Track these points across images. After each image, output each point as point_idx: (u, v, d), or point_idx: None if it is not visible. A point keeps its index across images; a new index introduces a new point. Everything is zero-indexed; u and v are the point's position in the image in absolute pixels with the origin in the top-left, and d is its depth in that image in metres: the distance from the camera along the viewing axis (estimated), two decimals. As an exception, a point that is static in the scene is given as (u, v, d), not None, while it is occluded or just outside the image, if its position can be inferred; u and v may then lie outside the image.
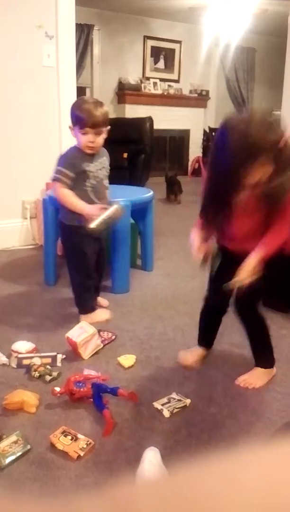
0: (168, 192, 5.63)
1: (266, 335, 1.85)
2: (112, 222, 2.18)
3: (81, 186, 2.14)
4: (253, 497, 0.18)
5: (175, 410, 1.63)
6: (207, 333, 1.99)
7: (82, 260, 2.26)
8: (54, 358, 1.94)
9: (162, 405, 1.65)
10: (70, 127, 2.15)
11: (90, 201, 2.15)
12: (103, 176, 2.23)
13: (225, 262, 1.77)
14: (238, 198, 1.50)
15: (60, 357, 1.95)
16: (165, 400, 1.68)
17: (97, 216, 2.08)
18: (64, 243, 2.42)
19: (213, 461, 0.21)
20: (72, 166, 2.12)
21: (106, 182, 2.26)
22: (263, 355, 1.88)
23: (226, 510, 0.18)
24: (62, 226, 2.29)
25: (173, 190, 5.57)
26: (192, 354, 1.97)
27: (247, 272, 1.55)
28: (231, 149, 1.38)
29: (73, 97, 3.39)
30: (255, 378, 1.84)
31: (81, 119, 2.06)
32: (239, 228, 1.63)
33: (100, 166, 2.20)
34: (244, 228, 1.62)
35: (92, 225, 2.06)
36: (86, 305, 2.34)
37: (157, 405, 1.65)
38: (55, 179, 2.14)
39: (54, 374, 1.83)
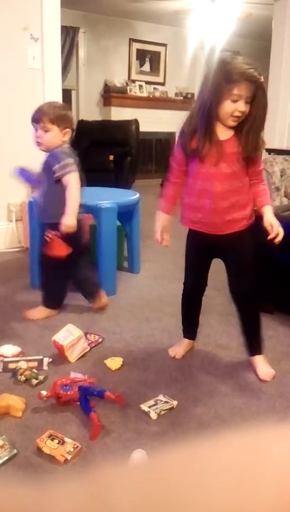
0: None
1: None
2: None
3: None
4: (226, 479, 0.20)
5: (162, 412, 1.64)
6: (190, 321, 2.04)
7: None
8: (40, 362, 1.93)
9: (149, 407, 1.65)
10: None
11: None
12: None
13: (198, 248, 1.88)
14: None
15: (46, 360, 1.94)
16: (152, 402, 1.68)
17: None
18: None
19: (188, 447, 0.22)
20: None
21: None
22: (261, 341, 1.93)
23: (201, 491, 0.20)
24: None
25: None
26: (180, 347, 2.05)
27: (278, 226, 1.68)
28: (215, 71, 1.70)
29: (58, 100, 3.37)
30: (268, 366, 1.91)
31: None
32: (221, 182, 1.70)
33: None
34: (225, 185, 1.70)
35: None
36: None
37: (144, 407, 1.66)
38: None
39: (41, 377, 1.82)
